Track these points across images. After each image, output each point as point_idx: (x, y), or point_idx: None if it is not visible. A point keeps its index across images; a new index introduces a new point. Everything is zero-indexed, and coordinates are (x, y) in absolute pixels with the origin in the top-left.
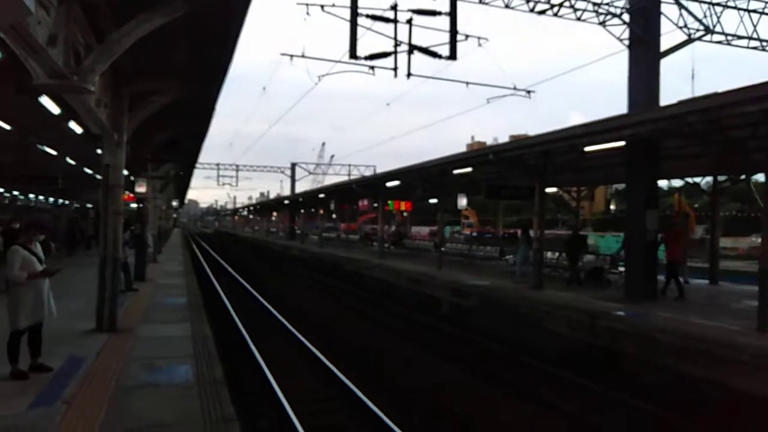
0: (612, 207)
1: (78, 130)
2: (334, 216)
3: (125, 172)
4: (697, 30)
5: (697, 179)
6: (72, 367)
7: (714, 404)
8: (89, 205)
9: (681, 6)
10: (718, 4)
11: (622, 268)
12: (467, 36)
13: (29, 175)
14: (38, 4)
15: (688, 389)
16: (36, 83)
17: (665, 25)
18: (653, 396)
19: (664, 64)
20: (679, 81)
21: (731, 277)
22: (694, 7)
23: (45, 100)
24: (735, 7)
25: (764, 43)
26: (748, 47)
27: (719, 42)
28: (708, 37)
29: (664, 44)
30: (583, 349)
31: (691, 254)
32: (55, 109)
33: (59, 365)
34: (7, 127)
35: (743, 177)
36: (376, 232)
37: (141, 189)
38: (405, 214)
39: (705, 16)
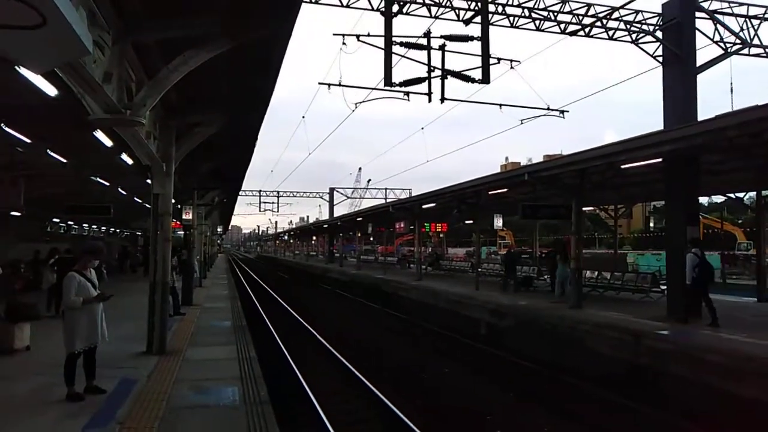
0: (651, 224)
1: (129, 161)
2: (371, 239)
3: (172, 201)
4: (734, 44)
5: (740, 194)
6: (124, 388)
7: (762, 424)
8: (138, 233)
9: (716, 21)
10: (755, 17)
11: (664, 286)
12: (499, 59)
13: (83, 205)
14: (94, 44)
15: (735, 409)
16: (92, 118)
17: (700, 40)
18: (696, 416)
19: (701, 78)
20: (718, 96)
21: None
22: (730, 21)
23: (99, 134)
24: None
25: None
26: None
27: (757, 55)
28: (745, 51)
29: (700, 59)
30: (626, 369)
31: (736, 271)
32: (108, 142)
33: (113, 387)
34: (63, 160)
35: None
36: (413, 254)
37: (187, 216)
38: (441, 235)
39: (742, 30)
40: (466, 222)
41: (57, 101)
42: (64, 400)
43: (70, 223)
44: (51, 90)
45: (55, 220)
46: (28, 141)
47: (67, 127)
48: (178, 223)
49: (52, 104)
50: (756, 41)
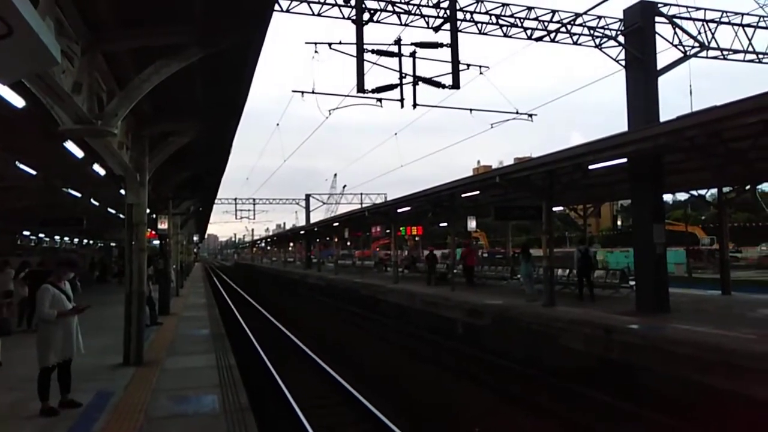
0: (619, 223)
1: (101, 172)
2: (348, 243)
3: (147, 210)
4: (693, 47)
5: (702, 191)
6: (101, 401)
7: (733, 413)
8: (113, 244)
9: (675, 25)
10: (712, 21)
11: (632, 282)
12: (469, 65)
13: (54, 217)
14: (63, 54)
15: (707, 400)
16: (62, 129)
17: (660, 44)
18: (670, 408)
19: (662, 81)
20: (678, 97)
21: (743, 287)
22: (689, 25)
23: (70, 145)
24: (729, 23)
25: (760, 56)
26: (744, 60)
27: (715, 57)
28: (704, 53)
29: (661, 62)
30: (598, 363)
31: (701, 266)
32: (79, 153)
33: (88, 400)
34: (33, 171)
35: (748, 187)
36: (390, 258)
37: (163, 226)
38: (417, 238)
39: (699, 33)
40: (441, 225)
41: (25, 112)
42: (38, 416)
43: (41, 235)
44: (18, 101)
45: (25, 232)
46: None
47: (37, 138)
48: (153, 232)
49: (20, 115)
50: (713, 44)
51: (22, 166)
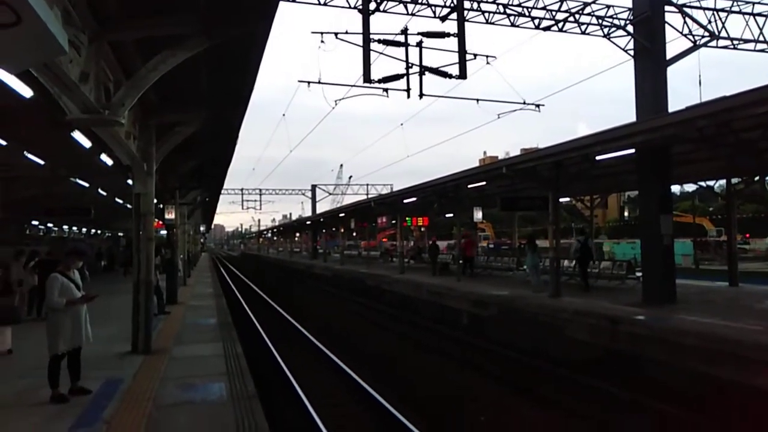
0: (626, 214)
1: (109, 161)
2: (354, 234)
3: (154, 200)
4: (702, 36)
5: (711, 182)
6: (110, 388)
7: (739, 404)
8: (120, 234)
9: (685, 14)
10: (723, 10)
11: (639, 273)
12: (476, 55)
13: (61, 207)
14: (70, 43)
15: (713, 391)
16: (69, 118)
17: (670, 33)
18: (676, 399)
19: (671, 70)
20: (687, 87)
21: (750, 278)
22: (698, 14)
23: (77, 135)
24: (740, 12)
25: None
26: (755, 50)
27: (725, 47)
28: (713, 43)
29: (670, 52)
30: (604, 354)
31: (709, 257)
32: (86, 143)
33: (98, 387)
34: (40, 161)
35: (757, 178)
36: (395, 248)
37: (170, 216)
38: (423, 229)
39: (709, 23)
40: (447, 215)
41: (33, 102)
42: (48, 402)
43: (49, 225)
44: (26, 91)
45: (33, 222)
46: (4, 143)
47: (45, 128)
48: (160, 222)
49: (28, 105)
50: (723, 34)
51: (29, 156)
